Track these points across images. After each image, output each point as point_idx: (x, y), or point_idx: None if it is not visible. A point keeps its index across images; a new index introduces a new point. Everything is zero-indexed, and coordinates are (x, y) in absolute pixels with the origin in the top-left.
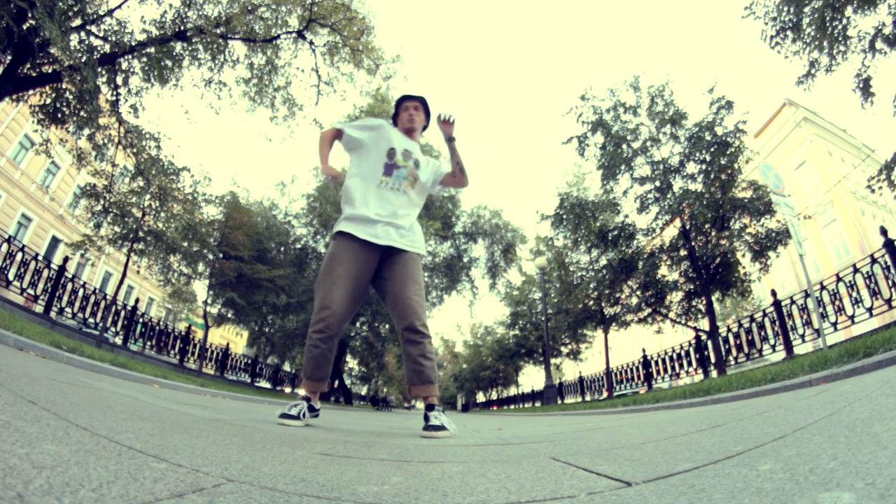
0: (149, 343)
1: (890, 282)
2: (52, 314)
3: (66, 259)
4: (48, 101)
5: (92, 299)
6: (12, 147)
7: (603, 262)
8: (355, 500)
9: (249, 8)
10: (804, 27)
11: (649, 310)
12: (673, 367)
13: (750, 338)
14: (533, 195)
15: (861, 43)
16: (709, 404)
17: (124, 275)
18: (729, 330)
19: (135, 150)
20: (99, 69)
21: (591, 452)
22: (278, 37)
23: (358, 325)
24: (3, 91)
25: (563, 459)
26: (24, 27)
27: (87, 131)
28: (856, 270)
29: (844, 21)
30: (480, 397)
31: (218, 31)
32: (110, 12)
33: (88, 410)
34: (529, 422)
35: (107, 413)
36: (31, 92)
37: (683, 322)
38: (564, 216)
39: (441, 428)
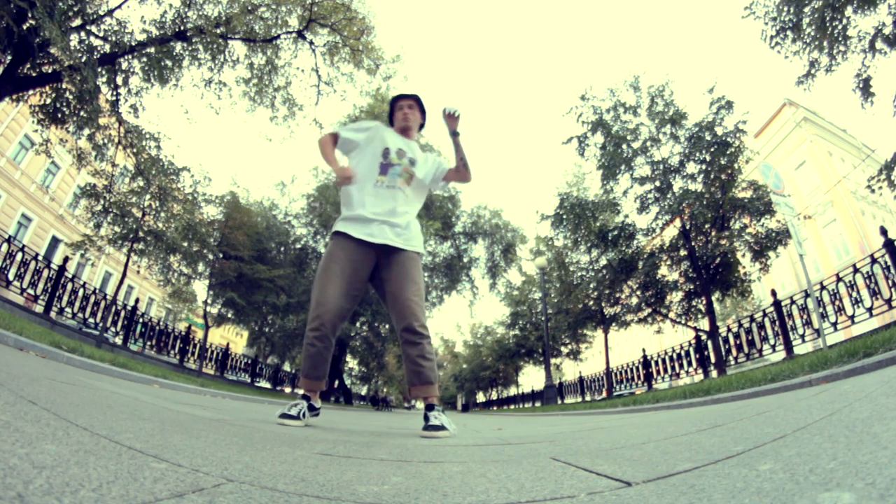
0: (149, 343)
1: (890, 282)
2: (52, 314)
3: (66, 259)
4: (48, 101)
5: (92, 299)
6: (12, 147)
7: (603, 262)
8: (355, 500)
9: (249, 8)
10: (804, 27)
11: (649, 310)
12: (673, 367)
13: (750, 338)
14: (533, 195)
15: (861, 43)
16: (709, 404)
17: (124, 275)
18: (729, 330)
19: (135, 150)
20: (99, 69)
21: (591, 452)
22: (278, 37)
23: (358, 325)
24: (3, 91)
25: (563, 459)
26: (24, 27)
27: (87, 131)
28: (856, 270)
29: (844, 21)
30: (480, 397)
31: (218, 31)
32: (110, 12)
33: (88, 410)
34: (529, 422)
35: (107, 413)
36: (31, 92)
37: (683, 322)
38: (564, 216)
39: (441, 428)
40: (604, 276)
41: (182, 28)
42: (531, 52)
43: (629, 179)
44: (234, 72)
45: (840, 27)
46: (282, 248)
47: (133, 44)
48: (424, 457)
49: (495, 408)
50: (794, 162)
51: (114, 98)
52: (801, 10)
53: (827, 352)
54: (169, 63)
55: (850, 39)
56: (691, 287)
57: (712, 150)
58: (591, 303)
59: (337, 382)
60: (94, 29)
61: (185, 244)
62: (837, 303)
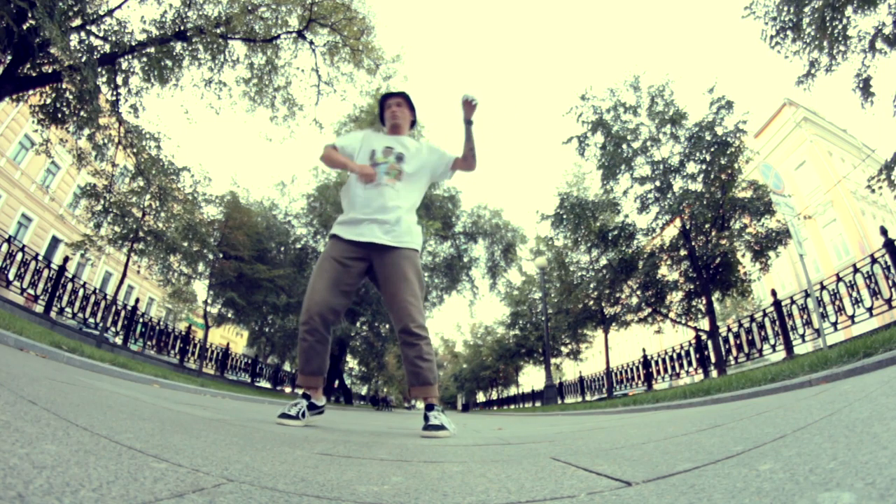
0: (149, 343)
1: (890, 282)
2: (52, 314)
3: (66, 259)
4: (48, 101)
5: (92, 299)
6: (12, 147)
7: (603, 262)
8: (355, 499)
9: (249, 8)
10: (804, 27)
11: (649, 310)
12: (673, 367)
13: (750, 338)
14: (533, 195)
15: (861, 43)
16: (709, 404)
17: (124, 275)
18: (729, 330)
19: (135, 150)
20: (99, 69)
21: (591, 452)
22: (278, 37)
23: (358, 325)
24: (3, 91)
25: (563, 459)
26: (24, 27)
27: (87, 131)
28: (856, 270)
29: (844, 21)
30: (480, 397)
31: (218, 31)
32: (110, 12)
33: (88, 410)
34: (529, 422)
35: (107, 413)
36: (31, 92)
37: (683, 322)
38: (564, 216)
39: (441, 427)
40: (604, 276)
41: (182, 28)
42: (531, 51)
43: (629, 179)
44: (234, 72)
45: (840, 27)
46: (282, 248)
47: (133, 44)
48: (424, 457)
49: (495, 408)
50: (794, 162)
51: (114, 98)
52: (801, 10)
53: (827, 352)
54: (169, 63)
55: (850, 39)
56: (691, 287)
57: (712, 149)
58: (591, 303)
59: (337, 382)
60: (94, 29)
61: (185, 244)
62: (837, 303)
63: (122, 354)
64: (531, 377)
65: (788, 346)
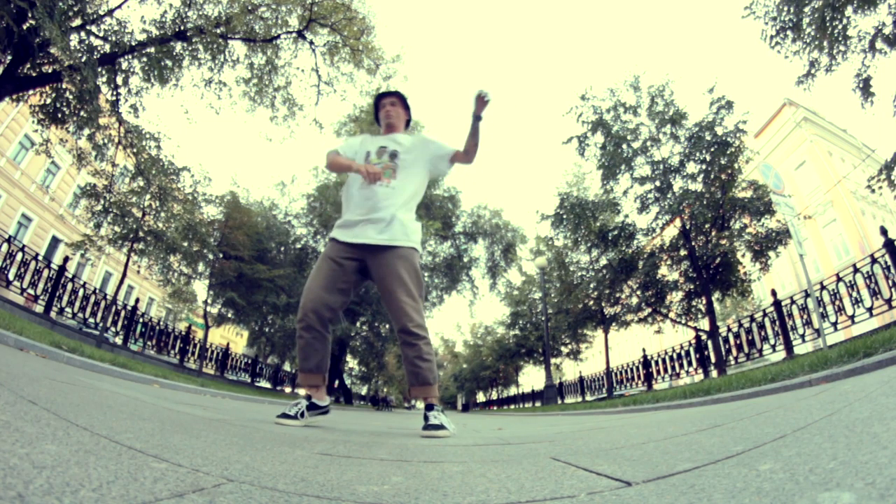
0: (149, 343)
1: (890, 282)
2: (53, 314)
3: (66, 259)
4: (48, 101)
5: (92, 299)
6: (12, 147)
7: (603, 262)
8: (355, 499)
9: (249, 8)
10: (804, 27)
11: (649, 310)
12: (673, 367)
13: (750, 338)
14: (533, 195)
15: (861, 43)
16: (709, 404)
17: (124, 275)
18: (729, 330)
19: (135, 150)
20: (99, 69)
21: (591, 452)
22: (278, 37)
23: (358, 325)
24: (3, 91)
25: (563, 459)
26: (24, 27)
27: (87, 131)
28: (856, 270)
29: (844, 21)
30: (480, 397)
31: (218, 31)
32: (110, 12)
33: (88, 410)
34: (529, 422)
35: (107, 413)
36: (31, 92)
37: (683, 322)
38: (564, 216)
39: (440, 427)
40: (604, 276)
41: (182, 28)
42: (532, 51)
43: (629, 179)
44: (234, 72)
45: (840, 27)
46: (282, 248)
47: (133, 44)
48: (424, 457)
49: (495, 408)
50: (794, 162)
51: (114, 98)
52: (801, 10)
53: (827, 352)
54: (169, 63)
55: (850, 39)
56: (691, 287)
57: (712, 149)
58: (591, 303)
59: (337, 382)
60: (94, 29)
61: (185, 244)
62: (837, 303)
63: (122, 354)
64: (531, 377)
65: (788, 346)
